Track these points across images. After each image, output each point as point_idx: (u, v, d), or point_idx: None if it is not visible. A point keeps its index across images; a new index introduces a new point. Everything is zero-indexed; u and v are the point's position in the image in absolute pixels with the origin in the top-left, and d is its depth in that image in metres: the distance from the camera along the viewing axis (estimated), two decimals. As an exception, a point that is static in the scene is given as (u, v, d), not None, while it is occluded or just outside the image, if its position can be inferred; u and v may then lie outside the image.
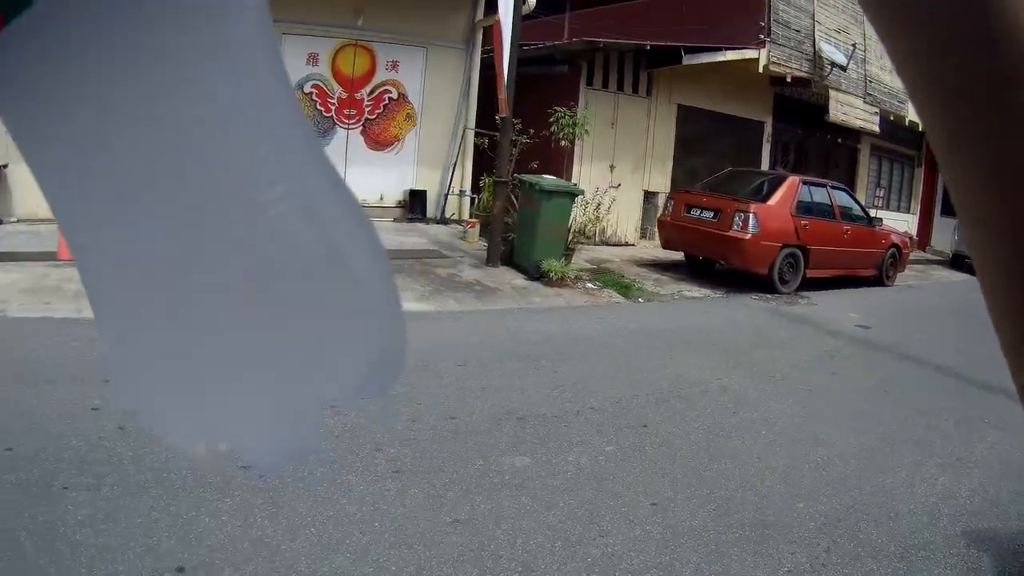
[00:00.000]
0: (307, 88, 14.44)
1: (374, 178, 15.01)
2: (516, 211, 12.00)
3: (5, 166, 10.35)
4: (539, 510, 4.16)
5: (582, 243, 13.76)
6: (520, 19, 11.78)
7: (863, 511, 4.57)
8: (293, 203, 0.50)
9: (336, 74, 14.70)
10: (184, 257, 0.49)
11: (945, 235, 24.26)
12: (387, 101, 15.17)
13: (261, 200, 0.49)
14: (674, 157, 17.53)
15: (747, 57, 16.08)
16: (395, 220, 15.04)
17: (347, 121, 14.85)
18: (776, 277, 12.46)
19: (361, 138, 15.02)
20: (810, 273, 13.09)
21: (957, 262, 21.98)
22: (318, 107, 14.57)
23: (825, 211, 13.50)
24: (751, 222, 11.97)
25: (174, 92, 0.46)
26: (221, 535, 3.55)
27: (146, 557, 3.34)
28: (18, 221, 10.71)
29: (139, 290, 0.51)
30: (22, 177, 10.10)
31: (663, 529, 4.09)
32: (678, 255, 14.56)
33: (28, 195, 10.48)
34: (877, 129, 19.98)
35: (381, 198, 15.22)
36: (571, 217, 11.76)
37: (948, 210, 25.15)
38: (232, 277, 0.50)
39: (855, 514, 4.52)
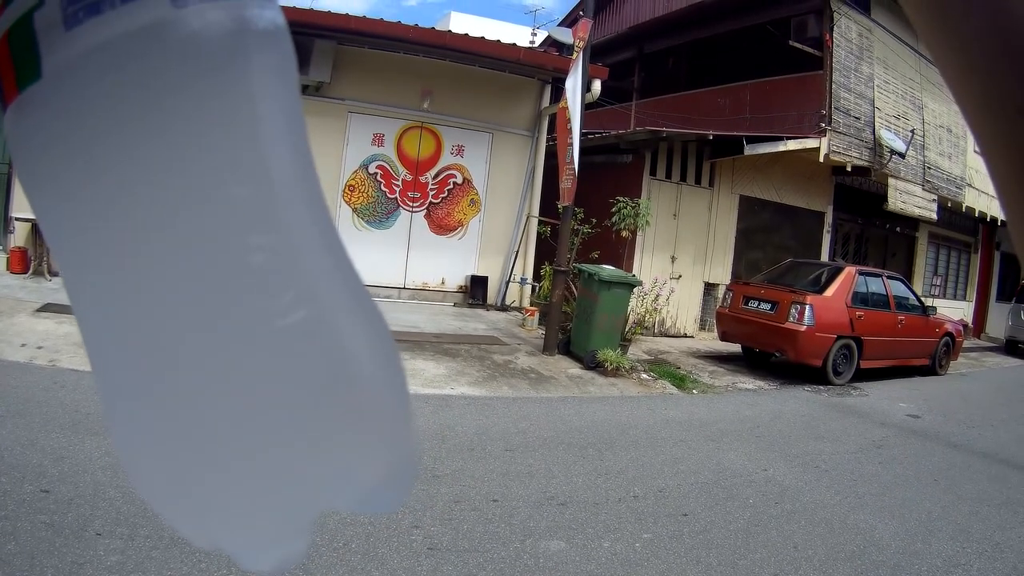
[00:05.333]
0: (372, 168, 14.80)
1: (436, 262, 15.32)
2: (575, 300, 12.07)
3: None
4: (568, 593, 4.12)
5: (641, 334, 13.86)
6: (584, 108, 11.97)
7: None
8: (303, 314, 0.47)
9: (401, 156, 14.99)
10: (187, 352, 0.46)
11: (1000, 320, 24.12)
12: (452, 186, 15.47)
13: (268, 309, 0.46)
14: (735, 248, 17.64)
15: (808, 147, 16.12)
16: (455, 305, 15.23)
17: (411, 204, 15.15)
18: (830, 369, 12.43)
19: (425, 222, 15.30)
20: (864, 364, 13.06)
21: (1011, 347, 21.95)
22: (382, 188, 14.91)
23: (880, 301, 13.48)
24: (807, 314, 12.00)
25: (183, 180, 0.44)
26: (251, 595, 3.68)
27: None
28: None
29: (141, 376, 0.47)
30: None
31: (690, 615, 4.12)
32: (736, 347, 14.58)
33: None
34: (935, 216, 19.86)
35: (443, 282, 15.48)
36: (628, 308, 11.84)
37: (1003, 295, 25.02)
38: (233, 379, 0.46)
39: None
